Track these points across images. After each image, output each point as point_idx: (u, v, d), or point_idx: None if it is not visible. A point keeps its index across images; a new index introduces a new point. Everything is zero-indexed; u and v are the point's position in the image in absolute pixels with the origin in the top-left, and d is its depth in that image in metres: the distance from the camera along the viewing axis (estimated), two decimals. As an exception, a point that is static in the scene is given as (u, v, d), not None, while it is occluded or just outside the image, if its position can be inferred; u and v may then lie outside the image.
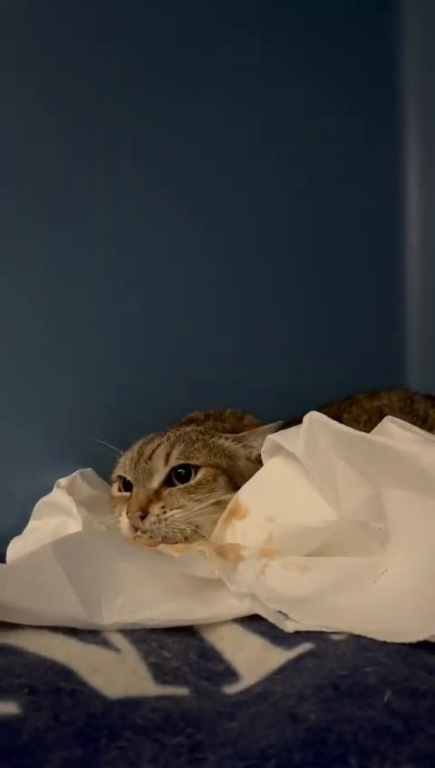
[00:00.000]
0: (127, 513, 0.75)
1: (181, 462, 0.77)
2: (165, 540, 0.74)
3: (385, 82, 1.38)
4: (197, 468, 0.78)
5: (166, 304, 1.09)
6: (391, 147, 1.39)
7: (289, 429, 0.73)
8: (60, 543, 0.59)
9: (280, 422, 0.82)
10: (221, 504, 0.75)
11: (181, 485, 0.77)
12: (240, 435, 0.83)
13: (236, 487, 0.76)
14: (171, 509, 0.74)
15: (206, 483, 0.77)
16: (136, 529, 0.74)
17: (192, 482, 0.77)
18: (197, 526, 0.74)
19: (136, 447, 0.82)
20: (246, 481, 0.75)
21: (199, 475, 0.77)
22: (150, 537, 0.74)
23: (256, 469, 0.76)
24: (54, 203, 0.97)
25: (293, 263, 1.25)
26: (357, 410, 0.91)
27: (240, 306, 1.18)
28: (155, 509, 0.74)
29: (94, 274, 1.01)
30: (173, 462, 0.77)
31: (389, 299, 1.40)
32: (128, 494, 0.79)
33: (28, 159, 0.94)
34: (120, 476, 0.83)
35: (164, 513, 0.74)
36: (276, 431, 0.81)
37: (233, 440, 0.82)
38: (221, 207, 1.15)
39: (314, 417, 0.69)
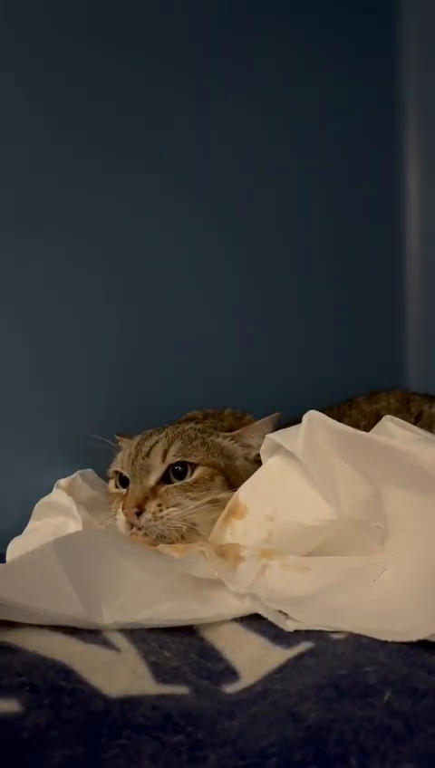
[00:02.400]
0: (123, 509, 0.75)
1: (179, 459, 0.77)
2: (161, 537, 0.74)
3: (385, 82, 1.38)
4: (194, 466, 0.78)
5: (165, 303, 1.09)
6: (391, 146, 1.39)
7: (288, 429, 0.73)
8: (61, 542, 0.59)
9: (276, 414, 0.82)
10: (217, 503, 0.75)
11: (178, 483, 0.77)
12: (236, 433, 0.83)
13: (232, 487, 0.76)
14: (168, 507, 0.75)
15: (202, 481, 0.77)
16: (132, 525, 0.74)
17: (189, 480, 0.77)
18: (193, 524, 0.75)
19: (134, 443, 0.82)
20: (243, 481, 0.75)
21: (196, 474, 0.77)
22: (145, 534, 0.74)
23: (254, 469, 0.76)
24: (55, 202, 0.97)
25: (293, 262, 1.25)
26: (356, 414, 0.92)
27: (240, 306, 1.18)
28: (151, 506, 0.74)
29: (94, 273, 1.01)
30: (170, 459, 0.77)
31: (389, 299, 1.40)
32: (124, 490, 0.79)
33: (27, 160, 0.94)
34: (116, 472, 0.83)
35: (160, 510, 0.74)
36: (272, 425, 0.81)
37: (230, 439, 0.82)
38: (221, 207, 1.15)
39: (313, 417, 0.69)
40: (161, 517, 0.74)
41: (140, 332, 1.06)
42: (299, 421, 0.70)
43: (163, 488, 0.76)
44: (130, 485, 0.78)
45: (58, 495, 0.84)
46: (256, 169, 1.19)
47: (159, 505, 0.74)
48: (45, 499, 0.85)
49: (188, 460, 0.78)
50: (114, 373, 1.02)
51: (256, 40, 1.18)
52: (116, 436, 0.90)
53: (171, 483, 0.77)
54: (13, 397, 0.94)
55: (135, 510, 0.74)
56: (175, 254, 1.10)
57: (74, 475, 0.88)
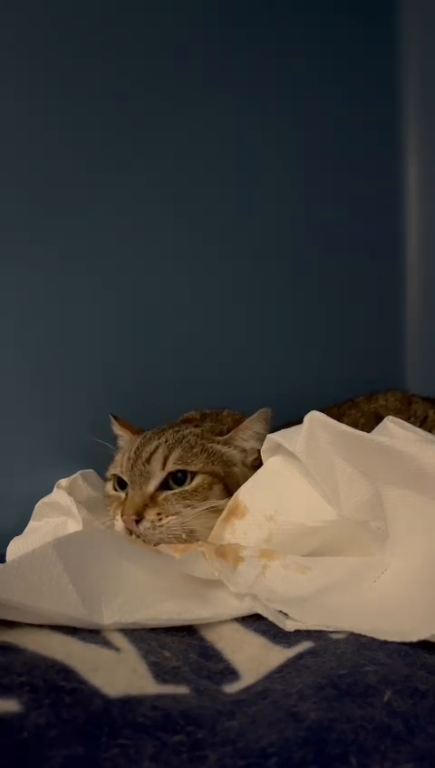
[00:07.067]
0: (122, 516, 0.75)
1: (179, 467, 0.77)
2: (160, 543, 0.74)
3: (385, 82, 1.38)
4: (193, 474, 0.77)
5: (166, 303, 1.09)
6: (390, 146, 1.39)
7: (289, 429, 0.73)
8: (61, 542, 0.59)
9: (263, 410, 0.81)
10: (216, 510, 0.75)
11: (177, 489, 0.76)
12: (228, 436, 0.82)
13: (230, 494, 0.76)
14: (167, 516, 0.74)
15: (201, 490, 0.77)
16: (131, 532, 0.74)
17: (187, 487, 0.77)
18: (191, 531, 0.75)
19: (133, 447, 0.81)
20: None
21: (196, 482, 0.77)
22: (144, 542, 0.74)
23: (252, 475, 0.76)
24: (55, 203, 0.97)
25: (292, 262, 1.25)
26: (356, 413, 0.92)
27: (240, 306, 1.18)
28: (150, 515, 0.74)
29: (94, 274, 1.01)
30: (170, 467, 0.77)
31: (389, 299, 1.40)
32: (123, 494, 0.79)
33: (27, 162, 0.94)
34: (114, 475, 0.83)
35: (160, 519, 0.74)
36: (261, 422, 0.81)
37: (225, 444, 0.82)
38: (220, 206, 1.15)
39: (314, 417, 0.69)
40: (160, 525, 0.74)
41: (140, 333, 1.06)
42: (300, 421, 0.70)
43: (162, 495, 0.76)
44: (129, 491, 0.77)
45: (58, 495, 0.84)
46: (255, 170, 1.19)
47: (159, 514, 0.74)
48: (45, 499, 0.85)
49: (188, 469, 0.77)
50: (114, 373, 1.02)
51: (255, 42, 1.18)
52: (111, 417, 0.90)
53: (170, 489, 0.77)
54: (13, 397, 0.94)
55: (134, 517, 0.73)
56: (175, 255, 1.10)
57: (75, 475, 0.88)
